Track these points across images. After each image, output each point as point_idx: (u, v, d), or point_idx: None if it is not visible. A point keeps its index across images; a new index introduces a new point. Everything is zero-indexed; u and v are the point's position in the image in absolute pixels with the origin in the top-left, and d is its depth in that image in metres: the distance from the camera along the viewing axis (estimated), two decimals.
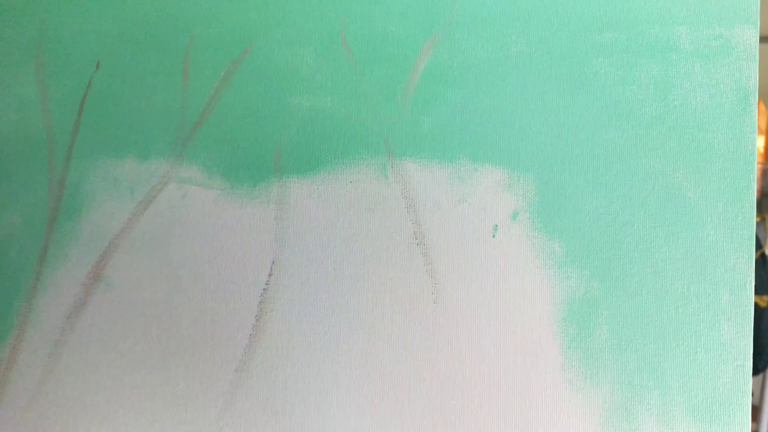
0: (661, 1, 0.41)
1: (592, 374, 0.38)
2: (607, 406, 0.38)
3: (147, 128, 0.45)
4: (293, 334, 0.41)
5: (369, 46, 0.43)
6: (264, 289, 0.42)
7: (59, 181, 0.45)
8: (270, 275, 0.42)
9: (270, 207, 0.43)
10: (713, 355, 0.37)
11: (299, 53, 0.44)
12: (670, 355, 0.38)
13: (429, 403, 0.40)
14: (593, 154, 0.40)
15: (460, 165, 0.41)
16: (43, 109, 0.46)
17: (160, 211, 0.44)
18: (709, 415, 0.37)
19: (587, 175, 0.40)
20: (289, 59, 0.44)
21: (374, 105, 0.42)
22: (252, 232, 0.42)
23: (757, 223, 1.75)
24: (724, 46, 0.40)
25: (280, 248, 0.42)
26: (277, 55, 0.44)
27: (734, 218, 0.38)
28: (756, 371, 1.39)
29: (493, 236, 0.40)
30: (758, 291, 1.46)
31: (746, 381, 0.37)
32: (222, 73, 0.44)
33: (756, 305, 1.44)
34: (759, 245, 1.53)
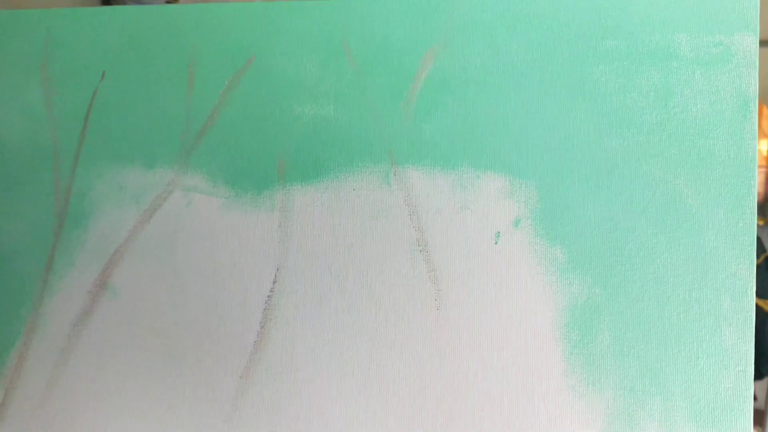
0: (661, 8, 0.41)
1: (595, 380, 0.38)
2: (610, 411, 0.38)
3: (152, 137, 0.45)
4: (297, 341, 0.42)
5: (371, 55, 0.43)
6: (268, 296, 0.42)
7: (65, 189, 0.45)
8: (274, 282, 0.42)
9: (274, 214, 0.43)
10: (715, 361, 0.38)
11: (302, 62, 0.44)
12: (671, 361, 0.38)
13: (433, 408, 0.40)
14: (594, 161, 0.40)
15: (463, 172, 0.41)
16: (50, 119, 0.46)
17: (166, 218, 0.44)
18: (711, 421, 0.37)
19: (589, 182, 0.40)
20: (292, 68, 0.44)
21: (377, 113, 0.43)
22: (256, 240, 0.43)
23: (760, 227, 1.74)
24: (724, 53, 0.40)
25: (284, 255, 0.42)
26: (281, 65, 0.44)
27: (735, 224, 0.38)
28: (760, 376, 1.38)
29: (496, 243, 0.41)
30: (762, 295, 1.46)
31: (748, 386, 0.37)
32: (226, 83, 0.45)
33: (760, 309, 1.43)
34: (762, 249, 1.53)
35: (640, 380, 0.38)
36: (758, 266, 1.46)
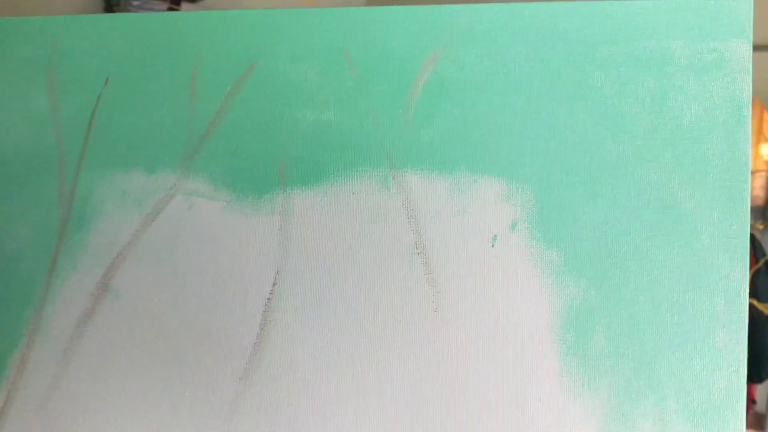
0: (656, 16, 0.42)
1: (590, 381, 0.39)
2: (605, 411, 0.38)
3: (155, 142, 0.46)
4: (297, 343, 0.42)
5: (371, 61, 0.44)
6: (268, 299, 0.43)
7: (69, 193, 0.46)
8: (274, 285, 0.43)
9: (275, 218, 0.44)
10: (708, 362, 0.38)
11: (303, 69, 0.45)
12: (666, 362, 0.38)
13: (430, 409, 0.40)
14: (590, 166, 0.41)
15: (460, 176, 0.42)
16: (54, 124, 0.47)
17: (167, 222, 0.45)
18: (705, 421, 0.38)
19: (585, 186, 0.41)
20: (293, 74, 0.45)
21: (376, 119, 0.44)
22: (257, 243, 0.43)
23: (761, 230, 1.75)
24: (719, 60, 0.41)
25: (284, 258, 0.43)
26: (282, 71, 0.45)
27: (729, 227, 0.39)
28: (760, 379, 1.39)
29: (493, 246, 0.41)
30: (763, 299, 1.46)
31: (741, 387, 0.37)
32: (228, 88, 0.45)
33: (761, 313, 1.43)
34: (763, 253, 1.53)
35: (634, 381, 0.38)
36: (758, 270, 1.47)
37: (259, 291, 0.43)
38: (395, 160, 0.43)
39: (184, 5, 1.26)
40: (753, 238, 1.50)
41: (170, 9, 1.22)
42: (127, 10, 1.16)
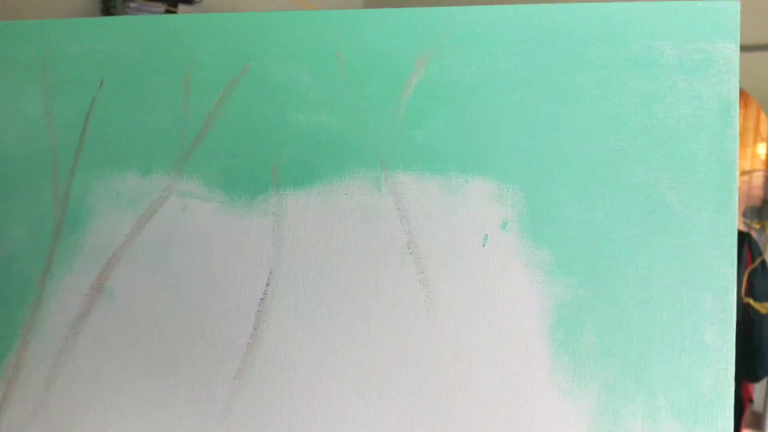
0: (644, 17, 0.42)
1: (580, 378, 0.39)
2: (595, 409, 0.39)
3: (149, 144, 0.46)
4: (290, 342, 0.42)
5: (363, 63, 0.45)
6: (261, 299, 0.43)
7: (64, 195, 0.46)
8: (267, 285, 0.43)
9: (268, 219, 0.44)
10: (697, 359, 0.38)
11: (296, 70, 0.45)
12: (655, 359, 0.39)
13: (422, 407, 0.41)
14: (580, 166, 0.41)
15: (451, 177, 0.42)
16: (49, 126, 0.48)
17: (161, 223, 0.45)
18: (693, 417, 0.38)
19: (574, 186, 0.41)
20: (286, 76, 0.45)
21: (368, 120, 0.44)
22: (250, 243, 0.44)
23: (757, 230, 1.75)
24: (706, 60, 0.41)
25: (277, 259, 0.43)
26: (275, 73, 0.45)
27: (717, 226, 0.39)
28: (756, 378, 1.39)
29: (483, 245, 0.41)
30: (759, 298, 1.46)
31: (729, 384, 0.38)
32: (221, 91, 0.46)
33: (757, 312, 1.44)
34: (759, 252, 1.53)
35: (624, 378, 0.39)
36: (755, 270, 1.47)
37: (252, 291, 0.43)
38: (387, 161, 0.43)
39: (181, 7, 1.26)
40: (749, 238, 1.51)
41: (167, 11, 1.22)
42: (125, 13, 1.16)
